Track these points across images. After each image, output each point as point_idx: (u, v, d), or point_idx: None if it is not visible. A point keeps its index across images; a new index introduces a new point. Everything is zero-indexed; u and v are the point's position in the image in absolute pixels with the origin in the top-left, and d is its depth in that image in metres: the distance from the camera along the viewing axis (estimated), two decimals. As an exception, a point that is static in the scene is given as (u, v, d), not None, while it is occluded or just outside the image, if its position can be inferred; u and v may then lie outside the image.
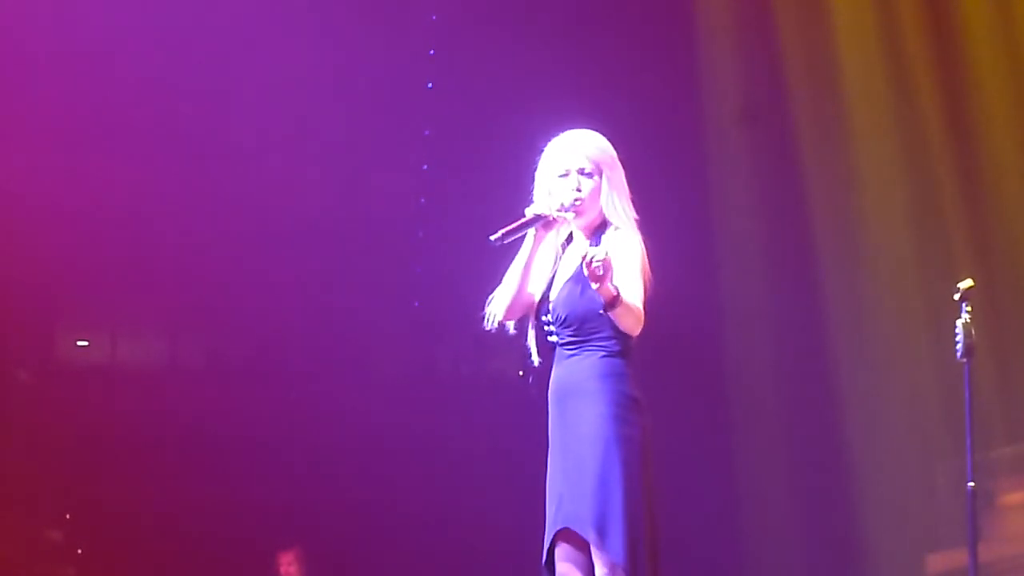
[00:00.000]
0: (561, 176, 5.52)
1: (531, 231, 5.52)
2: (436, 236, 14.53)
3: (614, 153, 5.60)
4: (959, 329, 6.36)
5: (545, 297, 5.57)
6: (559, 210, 5.48)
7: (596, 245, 5.41)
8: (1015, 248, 11.57)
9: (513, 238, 5.45)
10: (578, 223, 5.57)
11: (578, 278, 5.43)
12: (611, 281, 5.18)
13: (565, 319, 5.46)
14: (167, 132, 13.13)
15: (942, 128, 11.87)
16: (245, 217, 13.49)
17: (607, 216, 5.54)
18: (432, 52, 13.84)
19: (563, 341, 5.49)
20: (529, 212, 5.48)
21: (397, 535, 13.92)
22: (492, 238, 5.39)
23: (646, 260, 5.46)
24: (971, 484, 6.45)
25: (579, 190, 5.49)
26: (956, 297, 6.42)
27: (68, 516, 13.72)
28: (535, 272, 5.60)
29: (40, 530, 13.66)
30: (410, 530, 13.92)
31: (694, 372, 12.87)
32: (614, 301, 5.22)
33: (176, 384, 14.11)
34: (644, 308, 5.39)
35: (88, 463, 13.37)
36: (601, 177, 5.52)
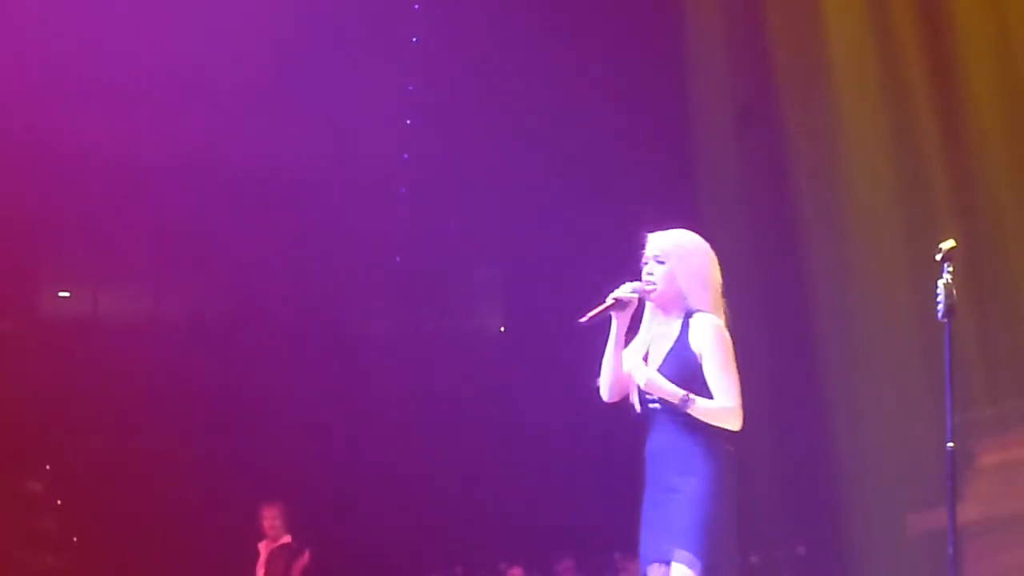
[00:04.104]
0: (643, 264, 6.39)
1: (613, 315, 6.37)
2: (419, 191, 14.51)
3: (692, 247, 6.45)
4: (940, 290, 6.33)
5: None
6: (632, 291, 6.35)
7: (685, 328, 6.32)
8: (997, 213, 11.62)
9: (597, 319, 6.30)
10: (657, 304, 6.39)
11: (666, 362, 6.32)
12: (671, 391, 6.20)
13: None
14: (152, 85, 13.08)
15: (928, 105, 11.93)
16: (228, 171, 13.45)
17: (687, 298, 6.37)
18: (416, 7, 13.83)
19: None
20: (609, 298, 6.31)
21: (381, 488, 13.93)
22: (581, 320, 6.26)
23: (726, 343, 6.30)
24: (951, 445, 6.43)
25: (651, 274, 6.34)
26: (938, 258, 6.38)
27: (48, 467, 13.71)
28: (626, 351, 6.42)
29: (19, 481, 13.65)
30: (393, 482, 13.93)
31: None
32: (683, 405, 6.20)
33: (158, 337, 14.08)
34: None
35: (69, 414, 13.35)
36: (671, 264, 6.35)
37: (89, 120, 13.07)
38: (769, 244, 12.55)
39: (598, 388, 6.46)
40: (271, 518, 11.55)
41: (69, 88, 12.92)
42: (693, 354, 6.28)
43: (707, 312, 6.36)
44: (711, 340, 6.29)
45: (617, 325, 6.40)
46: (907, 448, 11.38)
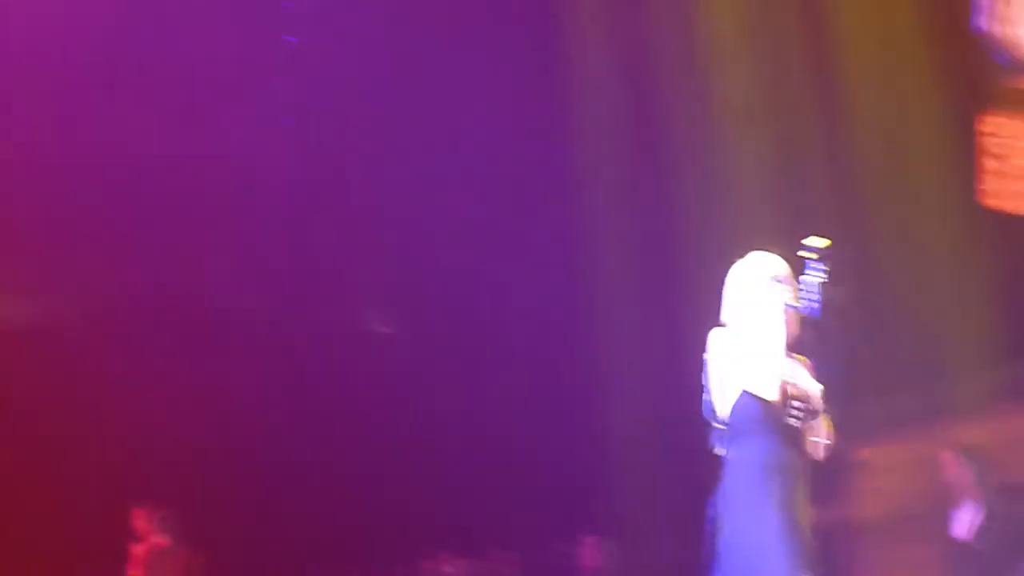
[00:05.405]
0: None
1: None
2: (309, 186, 14.44)
3: None
4: (812, 287, 6.36)
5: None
6: None
7: None
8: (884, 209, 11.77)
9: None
10: None
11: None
12: None
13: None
14: (104, 93, 12.95)
15: (810, 99, 12.08)
16: (188, 174, 13.33)
17: None
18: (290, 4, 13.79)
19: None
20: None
21: (268, 487, 13.86)
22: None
23: None
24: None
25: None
26: (810, 256, 6.40)
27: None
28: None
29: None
30: (281, 481, 13.86)
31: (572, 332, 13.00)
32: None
33: (27, 338, 13.84)
34: None
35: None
36: None
37: (39, 117, 12.91)
38: (655, 242, 12.65)
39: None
40: (145, 519, 11.48)
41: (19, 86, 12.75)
42: None
43: None
44: None
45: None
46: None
